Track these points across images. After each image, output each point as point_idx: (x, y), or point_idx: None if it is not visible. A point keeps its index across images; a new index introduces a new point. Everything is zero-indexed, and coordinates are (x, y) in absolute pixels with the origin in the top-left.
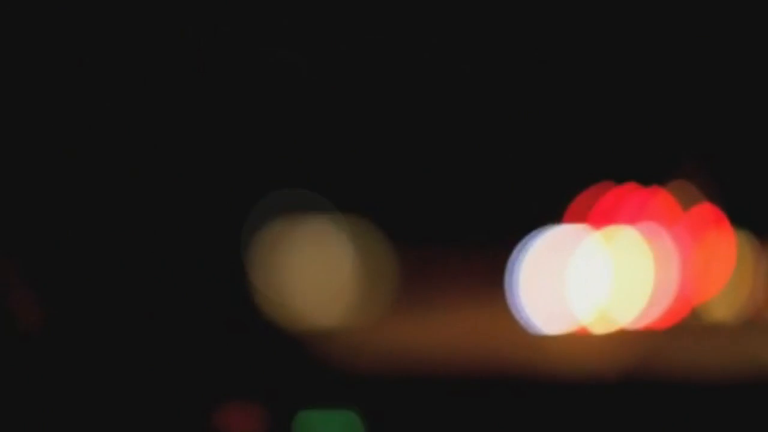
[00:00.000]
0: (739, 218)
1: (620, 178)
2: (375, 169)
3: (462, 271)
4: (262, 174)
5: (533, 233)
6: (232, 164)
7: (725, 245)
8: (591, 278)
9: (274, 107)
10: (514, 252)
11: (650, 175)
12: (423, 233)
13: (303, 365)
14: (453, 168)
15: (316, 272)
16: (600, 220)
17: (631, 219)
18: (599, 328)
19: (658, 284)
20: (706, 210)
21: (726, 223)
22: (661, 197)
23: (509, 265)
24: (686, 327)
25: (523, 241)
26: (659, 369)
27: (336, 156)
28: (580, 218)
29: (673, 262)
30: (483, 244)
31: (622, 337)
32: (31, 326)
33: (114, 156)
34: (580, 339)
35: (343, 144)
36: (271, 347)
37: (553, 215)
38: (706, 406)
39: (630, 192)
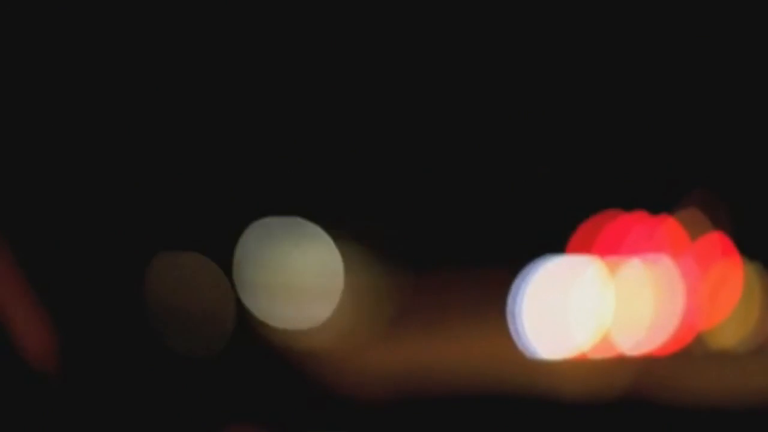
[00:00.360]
0: (749, 249)
1: (627, 206)
2: (379, 193)
3: (465, 296)
4: (256, 198)
5: (536, 262)
6: (228, 188)
7: (733, 274)
8: (591, 307)
9: (267, 127)
10: (517, 279)
11: (658, 204)
12: (428, 257)
13: (299, 388)
14: (459, 192)
15: (309, 295)
16: (604, 250)
17: (637, 249)
18: (598, 354)
19: (660, 312)
20: (715, 239)
21: (735, 253)
22: (669, 226)
23: (512, 291)
24: (690, 354)
25: (526, 269)
26: (659, 394)
27: (337, 178)
28: (584, 248)
29: (678, 292)
30: (486, 270)
31: (622, 362)
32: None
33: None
34: (578, 364)
35: (343, 166)
36: (267, 370)
37: (558, 244)
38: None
39: (636, 220)
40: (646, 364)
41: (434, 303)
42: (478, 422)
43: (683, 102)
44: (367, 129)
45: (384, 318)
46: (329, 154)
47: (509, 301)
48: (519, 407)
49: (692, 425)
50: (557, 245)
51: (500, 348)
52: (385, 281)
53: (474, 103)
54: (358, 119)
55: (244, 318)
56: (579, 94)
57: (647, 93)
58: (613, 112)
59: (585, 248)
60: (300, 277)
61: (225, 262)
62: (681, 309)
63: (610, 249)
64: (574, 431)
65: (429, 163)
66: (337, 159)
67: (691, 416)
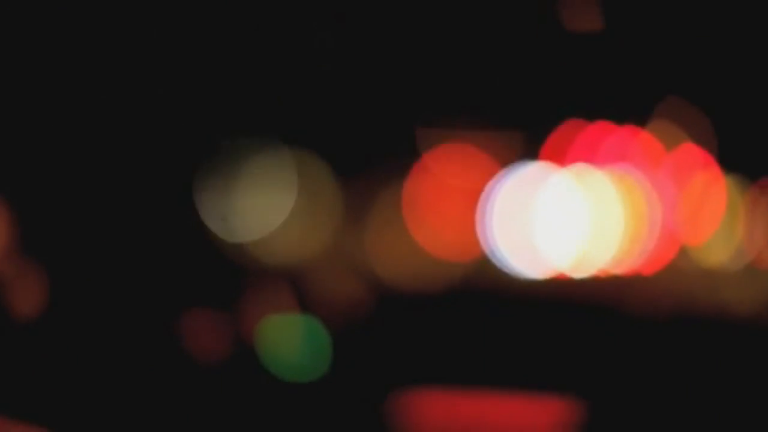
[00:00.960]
0: (729, 161)
1: (597, 116)
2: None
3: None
4: (213, 116)
5: (505, 170)
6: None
7: (714, 189)
8: (565, 221)
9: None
10: (487, 188)
11: (630, 115)
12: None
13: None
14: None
15: (259, 209)
16: (574, 159)
17: (608, 160)
18: (578, 273)
19: (639, 228)
20: (692, 152)
21: (714, 166)
22: (642, 138)
23: (483, 202)
24: (675, 271)
25: (495, 178)
26: (645, 312)
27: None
28: (553, 157)
29: (655, 207)
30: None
31: (604, 281)
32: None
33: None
34: (559, 283)
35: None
36: (227, 266)
37: (529, 152)
38: (692, 348)
39: (607, 132)
40: (629, 282)
41: (406, 215)
42: (455, 340)
43: (658, 11)
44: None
45: (336, 228)
46: (287, 72)
47: (481, 213)
48: (497, 325)
49: (679, 345)
50: (529, 154)
51: (474, 263)
52: (342, 192)
53: (441, 18)
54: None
55: (205, 237)
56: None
57: (622, 7)
58: (586, 21)
59: (556, 157)
60: (252, 193)
61: (187, 186)
62: (660, 224)
63: (581, 158)
64: (558, 352)
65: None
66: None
67: (677, 335)
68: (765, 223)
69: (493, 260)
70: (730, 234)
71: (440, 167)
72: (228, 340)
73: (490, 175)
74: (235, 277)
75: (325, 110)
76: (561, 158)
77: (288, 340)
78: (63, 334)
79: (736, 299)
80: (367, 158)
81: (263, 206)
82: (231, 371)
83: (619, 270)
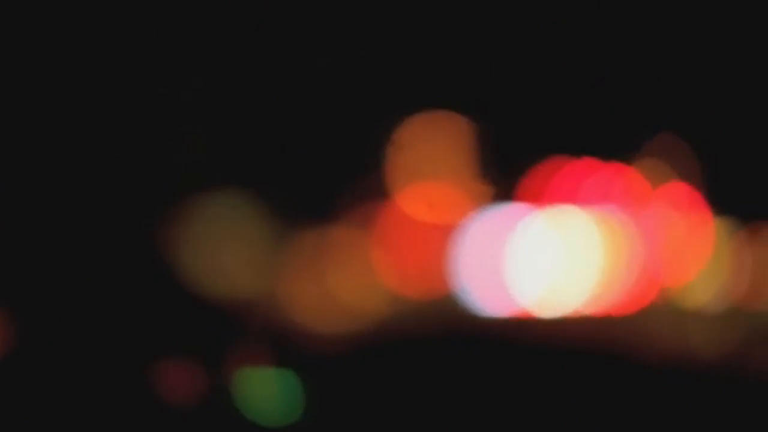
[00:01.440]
0: (719, 202)
1: (580, 153)
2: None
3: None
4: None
5: (480, 211)
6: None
7: (701, 229)
8: (536, 261)
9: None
10: (460, 229)
11: (616, 151)
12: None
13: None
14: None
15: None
16: (554, 199)
17: (590, 200)
18: (544, 312)
19: (616, 269)
20: (680, 191)
21: (703, 206)
22: (628, 176)
23: (454, 242)
24: (653, 312)
25: (468, 219)
26: (619, 354)
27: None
28: (532, 197)
29: (636, 248)
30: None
31: (572, 321)
32: None
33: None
34: (522, 322)
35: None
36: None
37: (504, 193)
38: (664, 392)
39: (591, 169)
40: (603, 322)
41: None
42: (418, 378)
43: (645, 42)
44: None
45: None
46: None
47: (451, 252)
48: (459, 363)
49: (654, 388)
50: (506, 193)
51: (443, 302)
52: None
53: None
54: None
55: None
56: (531, 34)
57: (606, 32)
58: (570, 52)
59: (533, 197)
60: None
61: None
62: (640, 264)
63: (560, 198)
64: (521, 393)
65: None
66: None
67: (653, 378)
68: (751, 267)
69: (460, 299)
70: (715, 276)
71: (410, 206)
72: (201, 385)
73: (462, 215)
74: (205, 322)
75: (294, 146)
76: (539, 198)
77: (260, 385)
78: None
79: (715, 341)
80: (336, 197)
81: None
82: (204, 417)
83: (592, 311)
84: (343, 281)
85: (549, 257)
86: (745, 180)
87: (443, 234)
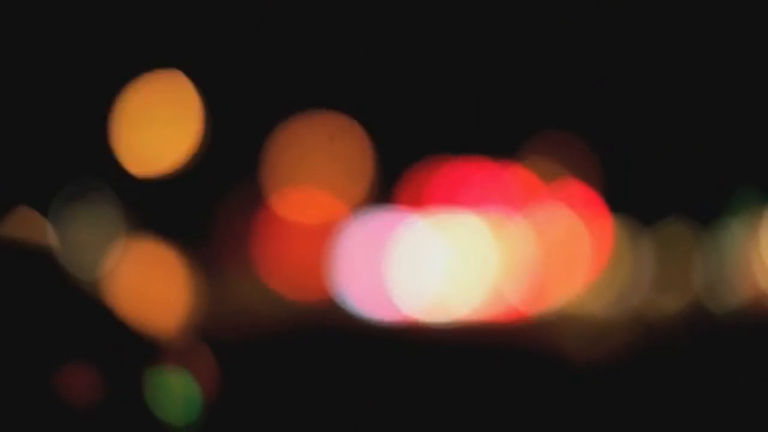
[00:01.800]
0: (619, 201)
1: (465, 152)
2: None
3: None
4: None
5: (358, 216)
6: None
7: (601, 230)
8: (418, 266)
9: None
10: (337, 233)
11: (504, 150)
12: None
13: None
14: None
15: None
16: (437, 201)
17: (476, 200)
18: (432, 318)
19: (506, 274)
20: (576, 189)
21: (601, 205)
22: (517, 174)
23: (332, 246)
24: (550, 317)
25: (345, 222)
26: (504, 362)
27: None
28: (412, 200)
29: (529, 249)
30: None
31: (457, 328)
32: None
33: None
34: (407, 329)
35: None
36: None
37: (384, 196)
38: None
39: (476, 169)
40: (492, 329)
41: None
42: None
43: (534, 35)
44: None
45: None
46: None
47: (330, 256)
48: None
49: (546, 393)
50: (386, 196)
51: (324, 305)
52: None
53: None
54: None
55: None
56: (409, 33)
57: (488, 26)
58: (448, 47)
59: (415, 200)
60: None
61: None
62: (533, 268)
63: (445, 200)
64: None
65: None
66: None
67: (546, 384)
68: (654, 268)
69: (340, 303)
70: (615, 279)
71: (290, 210)
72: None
73: (341, 218)
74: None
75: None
76: (421, 200)
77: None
78: None
79: (614, 347)
80: (217, 201)
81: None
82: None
83: (481, 317)
84: (226, 285)
85: (432, 262)
86: (645, 178)
87: (323, 237)
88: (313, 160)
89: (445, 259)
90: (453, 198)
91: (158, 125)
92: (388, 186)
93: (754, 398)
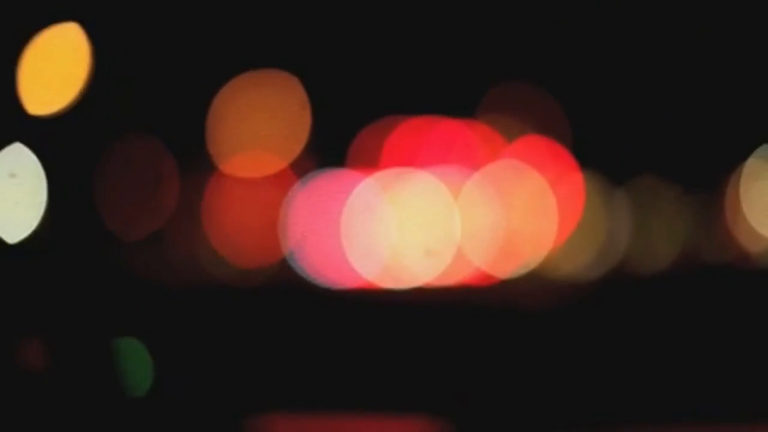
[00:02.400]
0: (589, 157)
1: (423, 110)
2: None
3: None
4: None
5: (307, 177)
6: None
7: (570, 186)
8: (374, 230)
9: None
10: (287, 197)
11: (459, 106)
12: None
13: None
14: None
15: None
16: (391, 161)
17: (432, 160)
18: (390, 284)
19: (471, 236)
20: (542, 146)
21: (570, 161)
22: (475, 131)
23: (282, 210)
24: (522, 280)
25: (296, 186)
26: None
27: None
28: (366, 160)
29: (493, 210)
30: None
31: (423, 293)
32: None
33: None
34: (368, 295)
35: None
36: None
37: (336, 155)
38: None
39: (430, 126)
40: (456, 294)
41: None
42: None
43: None
44: None
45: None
46: None
47: (280, 221)
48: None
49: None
50: (335, 158)
51: (276, 270)
52: None
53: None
54: None
55: None
56: None
57: None
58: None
59: (368, 160)
60: None
61: None
62: (499, 228)
63: (397, 160)
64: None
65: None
66: None
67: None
68: (629, 227)
69: (294, 268)
70: (590, 238)
71: (239, 174)
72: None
73: (289, 182)
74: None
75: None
76: (374, 161)
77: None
78: None
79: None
80: (164, 168)
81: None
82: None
83: (447, 282)
84: (177, 251)
85: (389, 225)
86: (618, 131)
87: (272, 201)
88: (257, 121)
89: (403, 221)
90: (409, 158)
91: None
92: (340, 147)
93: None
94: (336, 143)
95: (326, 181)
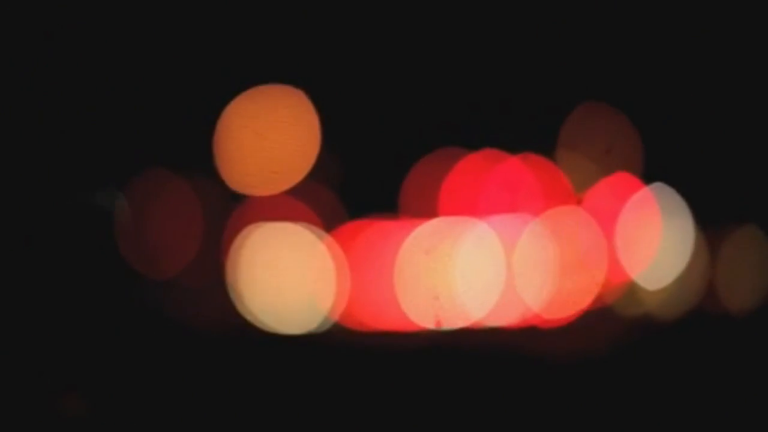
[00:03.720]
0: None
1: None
2: None
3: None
4: None
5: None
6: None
7: (647, 225)
8: (432, 276)
9: None
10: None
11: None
12: None
13: None
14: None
15: None
16: (445, 210)
17: (491, 207)
18: (447, 324)
19: (524, 277)
20: (617, 181)
21: (648, 196)
22: (541, 172)
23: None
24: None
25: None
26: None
27: None
28: (422, 206)
29: (548, 254)
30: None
31: (473, 333)
32: None
33: None
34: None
35: None
36: None
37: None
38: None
39: (494, 166)
40: (507, 335)
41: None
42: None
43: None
44: None
45: None
46: None
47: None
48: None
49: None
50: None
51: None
52: None
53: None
54: None
55: None
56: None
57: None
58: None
59: (425, 206)
60: None
61: None
62: (550, 273)
63: (450, 210)
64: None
65: None
66: None
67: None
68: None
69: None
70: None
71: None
72: None
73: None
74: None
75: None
76: (431, 208)
77: None
78: None
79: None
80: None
81: None
82: None
83: (497, 322)
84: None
85: (445, 270)
86: (707, 175)
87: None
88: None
89: (459, 267)
90: (465, 204)
91: None
92: (391, 187)
93: None
94: (387, 183)
95: (379, 227)
